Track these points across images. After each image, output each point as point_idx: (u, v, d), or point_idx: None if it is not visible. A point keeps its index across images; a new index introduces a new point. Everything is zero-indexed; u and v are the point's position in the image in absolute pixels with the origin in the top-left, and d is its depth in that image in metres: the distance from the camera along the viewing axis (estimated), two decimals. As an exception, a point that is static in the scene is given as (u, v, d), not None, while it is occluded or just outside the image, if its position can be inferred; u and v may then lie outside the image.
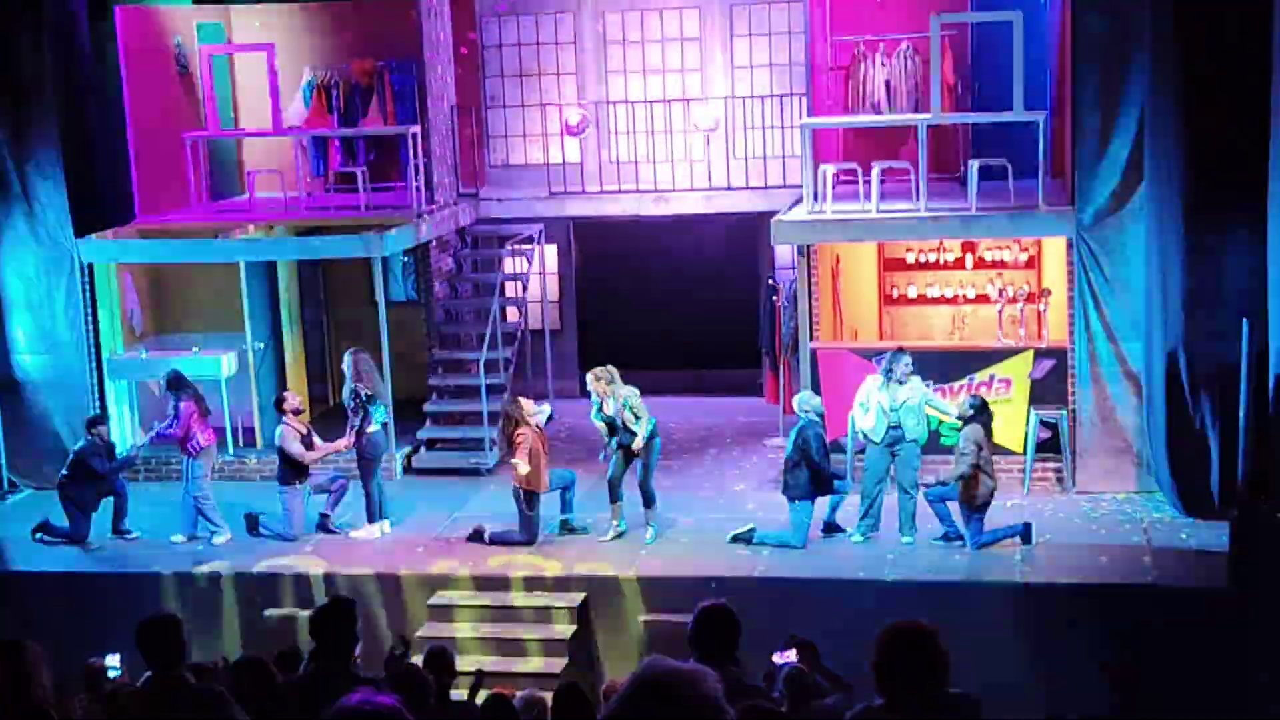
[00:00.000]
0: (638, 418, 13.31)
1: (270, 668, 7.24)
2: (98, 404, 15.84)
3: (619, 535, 13.54)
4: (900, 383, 13.11)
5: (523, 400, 13.74)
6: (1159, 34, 13.10)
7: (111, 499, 14.21)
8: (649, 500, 13.53)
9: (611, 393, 13.35)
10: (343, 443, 14.05)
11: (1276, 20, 12.12)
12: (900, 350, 13.42)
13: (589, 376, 13.58)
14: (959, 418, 12.98)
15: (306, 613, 12.19)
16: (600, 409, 13.46)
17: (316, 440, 14.08)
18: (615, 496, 13.54)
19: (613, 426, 13.42)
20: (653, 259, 18.63)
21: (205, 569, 13.46)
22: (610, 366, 13.60)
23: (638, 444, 13.31)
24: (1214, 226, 13.05)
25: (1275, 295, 12.34)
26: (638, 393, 13.47)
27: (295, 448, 13.76)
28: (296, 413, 14.01)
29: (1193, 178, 12.99)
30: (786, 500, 13.22)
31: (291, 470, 13.86)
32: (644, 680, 3.67)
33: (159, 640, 6.38)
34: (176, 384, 14.23)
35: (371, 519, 14.02)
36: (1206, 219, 13.02)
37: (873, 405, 13.17)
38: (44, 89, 15.43)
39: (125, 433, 15.95)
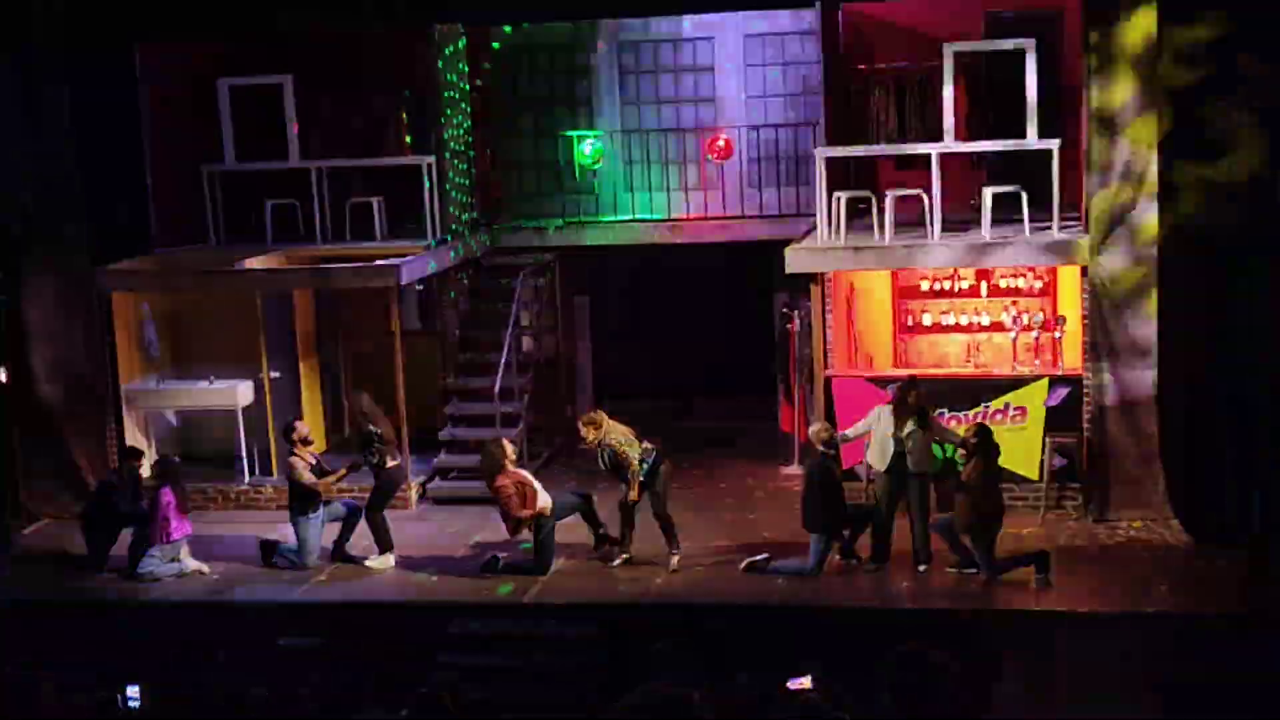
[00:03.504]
0: (629, 458, 13.26)
1: None
2: (115, 435, 15.90)
3: (626, 561, 13.58)
4: (907, 413, 13.08)
5: (505, 443, 13.59)
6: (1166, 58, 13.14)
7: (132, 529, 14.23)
8: (666, 528, 13.52)
9: (601, 437, 13.30)
10: (344, 469, 14.09)
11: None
12: (913, 379, 13.41)
13: (579, 424, 13.56)
14: (961, 444, 12.93)
15: (319, 641, 12.26)
16: (600, 456, 13.43)
17: (326, 468, 14.11)
18: (627, 522, 13.57)
19: (616, 466, 13.39)
20: (668, 286, 18.64)
21: (220, 599, 13.50)
22: (598, 411, 13.59)
23: (632, 495, 13.27)
24: (1229, 254, 13.03)
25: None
26: (629, 433, 13.41)
27: (307, 477, 13.79)
28: (306, 443, 14.04)
29: (1204, 205, 12.99)
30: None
31: (304, 500, 13.88)
32: None
33: None
34: (160, 471, 14.16)
35: (383, 549, 14.03)
36: (1221, 246, 13.01)
37: (879, 433, 13.16)
38: (63, 120, 15.53)
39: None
